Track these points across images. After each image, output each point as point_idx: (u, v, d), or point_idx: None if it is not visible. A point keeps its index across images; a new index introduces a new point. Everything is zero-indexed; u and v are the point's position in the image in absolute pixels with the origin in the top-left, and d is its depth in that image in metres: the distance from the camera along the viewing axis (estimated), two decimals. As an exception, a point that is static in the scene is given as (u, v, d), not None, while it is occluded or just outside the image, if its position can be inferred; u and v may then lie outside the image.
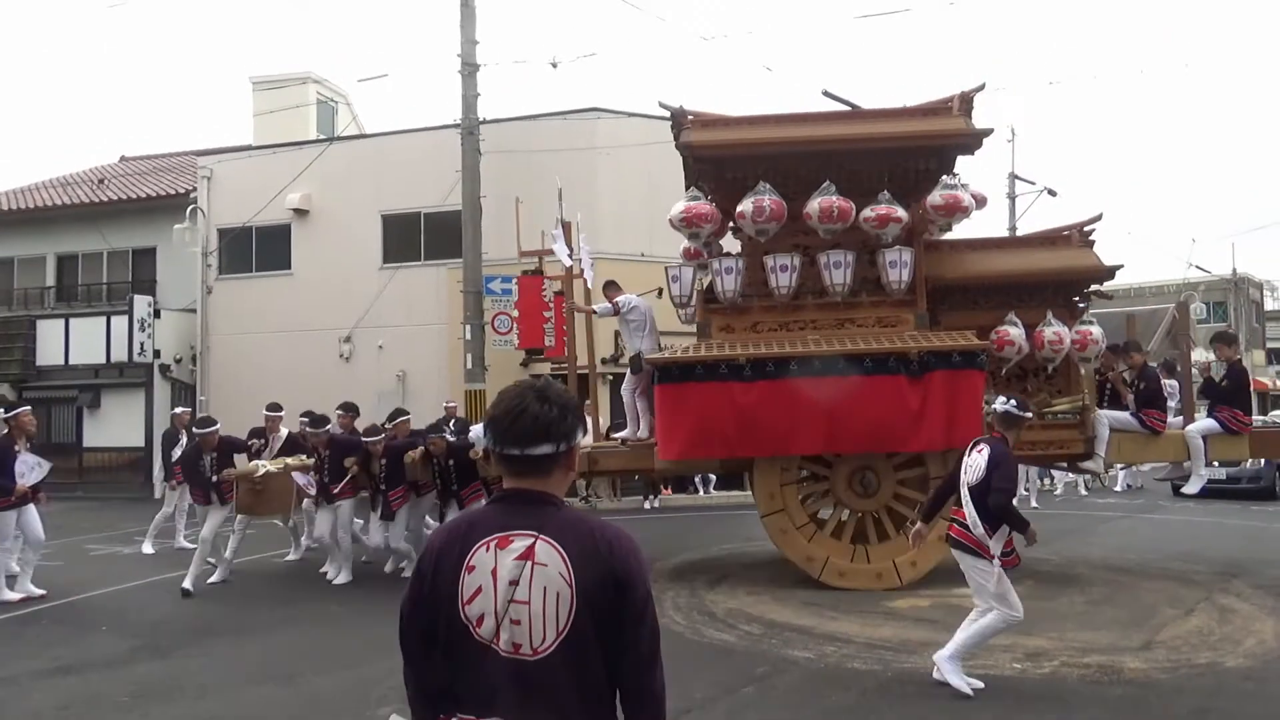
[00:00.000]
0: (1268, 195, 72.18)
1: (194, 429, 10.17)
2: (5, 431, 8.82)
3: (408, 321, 18.70)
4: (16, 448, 8.63)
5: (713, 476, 16.51)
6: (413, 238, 19.12)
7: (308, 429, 9.64)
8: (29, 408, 9.31)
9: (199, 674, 6.22)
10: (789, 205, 8.37)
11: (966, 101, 8.60)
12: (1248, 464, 14.61)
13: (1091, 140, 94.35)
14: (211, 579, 9.24)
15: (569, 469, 2.04)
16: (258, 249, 20.24)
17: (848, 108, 11.74)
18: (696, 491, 17.22)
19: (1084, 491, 17.35)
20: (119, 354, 19.83)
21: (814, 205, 8.29)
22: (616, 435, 10.15)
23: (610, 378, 15.50)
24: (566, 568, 1.89)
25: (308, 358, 18.72)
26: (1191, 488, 9.05)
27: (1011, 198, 27.51)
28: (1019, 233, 21.36)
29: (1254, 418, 11.01)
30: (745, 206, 8.36)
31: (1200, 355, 15.98)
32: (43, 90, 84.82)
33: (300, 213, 19.63)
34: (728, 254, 9.04)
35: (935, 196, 8.35)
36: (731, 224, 8.89)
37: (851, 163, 8.51)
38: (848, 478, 8.49)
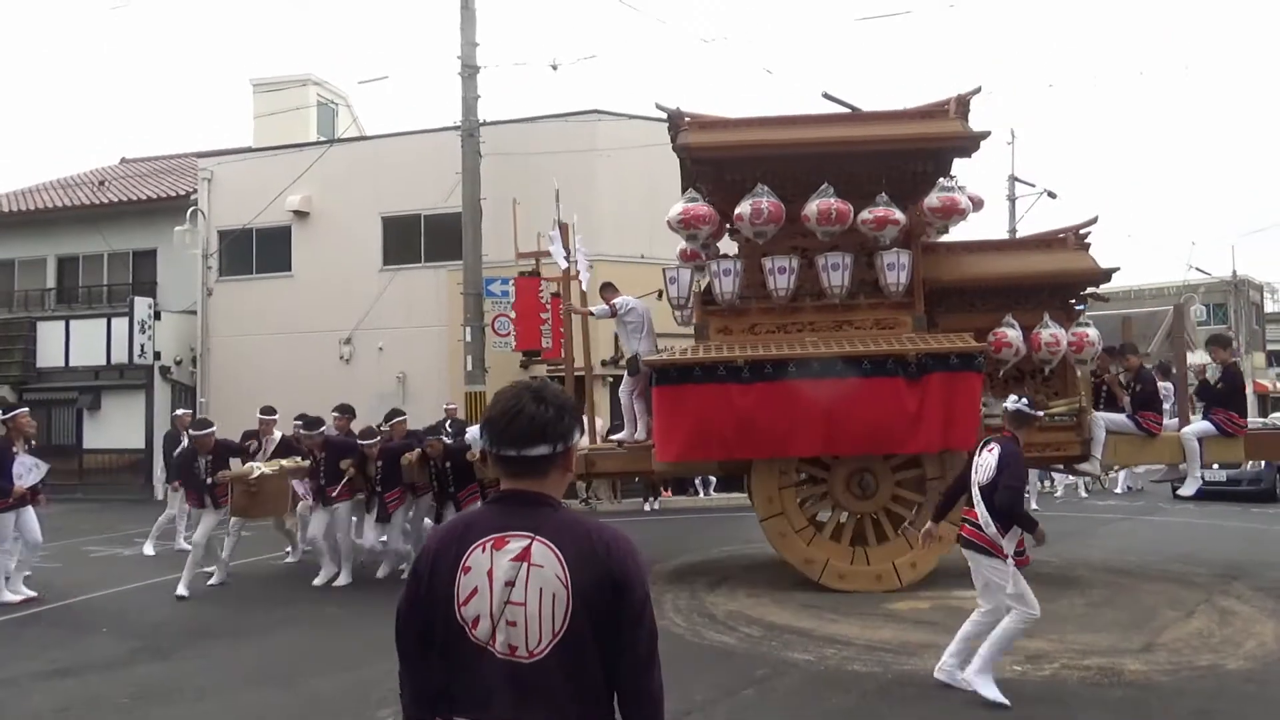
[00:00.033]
0: (1267, 197, 72.22)
1: (190, 431, 10.17)
2: (3, 433, 8.82)
3: (408, 323, 18.69)
4: (15, 449, 8.63)
5: (713, 479, 16.49)
6: (413, 240, 19.12)
7: (301, 431, 9.64)
8: (27, 409, 9.33)
9: (198, 676, 6.22)
10: (787, 207, 8.38)
11: (963, 104, 8.63)
12: (1248, 466, 14.64)
13: (1091, 142, 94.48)
14: (210, 581, 9.26)
15: (566, 470, 2.03)
16: (258, 251, 20.23)
17: (848, 110, 11.74)
18: (697, 494, 17.20)
19: (1084, 494, 17.35)
20: (119, 356, 19.85)
21: (812, 207, 8.30)
22: (614, 437, 10.14)
23: (610, 379, 15.49)
24: (562, 569, 1.88)
25: (308, 359, 18.71)
26: (1187, 490, 9.14)
27: (1011, 200, 27.54)
28: (1019, 235, 21.38)
29: (1254, 420, 11.02)
30: (743, 208, 8.37)
31: (1200, 357, 15.97)
32: (44, 92, 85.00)
33: (300, 215, 19.64)
34: (726, 256, 9.04)
35: (932, 199, 8.37)
36: (729, 226, 8.90)
37: (849, 165, 8.52)
38: (846, 480, 8.49)
